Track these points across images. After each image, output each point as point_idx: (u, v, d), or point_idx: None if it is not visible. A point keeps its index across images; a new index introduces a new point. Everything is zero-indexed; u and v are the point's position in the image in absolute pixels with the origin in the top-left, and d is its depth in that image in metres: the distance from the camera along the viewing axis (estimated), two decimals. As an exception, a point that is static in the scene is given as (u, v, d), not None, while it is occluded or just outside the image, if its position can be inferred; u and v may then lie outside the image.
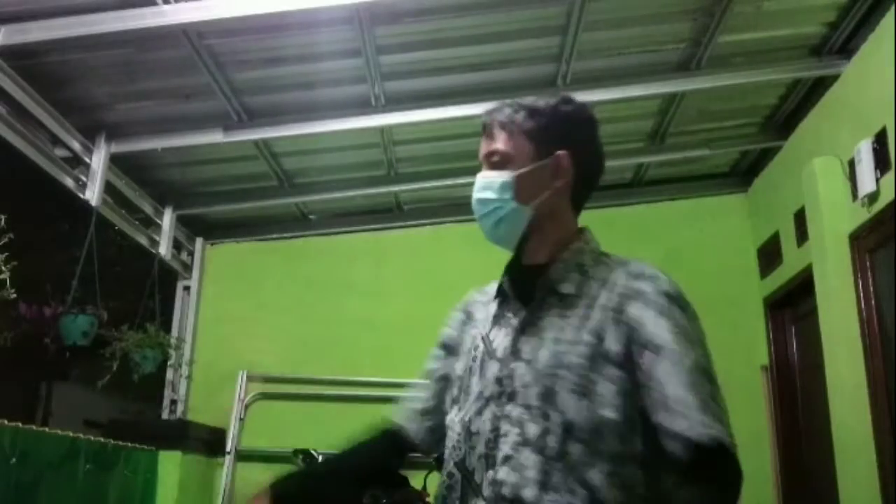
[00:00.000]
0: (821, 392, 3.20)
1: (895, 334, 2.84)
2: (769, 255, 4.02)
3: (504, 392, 1.16)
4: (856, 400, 2.96)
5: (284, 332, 4.33)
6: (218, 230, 4.66)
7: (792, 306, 3.90)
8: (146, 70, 3.15)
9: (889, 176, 2.81)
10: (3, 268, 2.70)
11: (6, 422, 2.50)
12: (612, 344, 1.13)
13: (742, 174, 4.40)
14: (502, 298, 1.28)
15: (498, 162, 1.26)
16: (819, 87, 3.47)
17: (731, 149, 4.14)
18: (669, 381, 1.07)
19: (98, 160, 3.50)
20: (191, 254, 4.61)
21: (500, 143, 1.26)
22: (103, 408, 3.89)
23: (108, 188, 3.65)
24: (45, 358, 3.26)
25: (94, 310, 3.33)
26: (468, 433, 1.18)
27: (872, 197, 2.92)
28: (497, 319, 1.26)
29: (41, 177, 3.25)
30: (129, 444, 3.41)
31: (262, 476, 4.16)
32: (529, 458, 1.10)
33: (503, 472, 1.11)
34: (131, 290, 4.22)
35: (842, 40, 3.20)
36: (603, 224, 4.55)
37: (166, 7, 2.70)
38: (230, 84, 3.27)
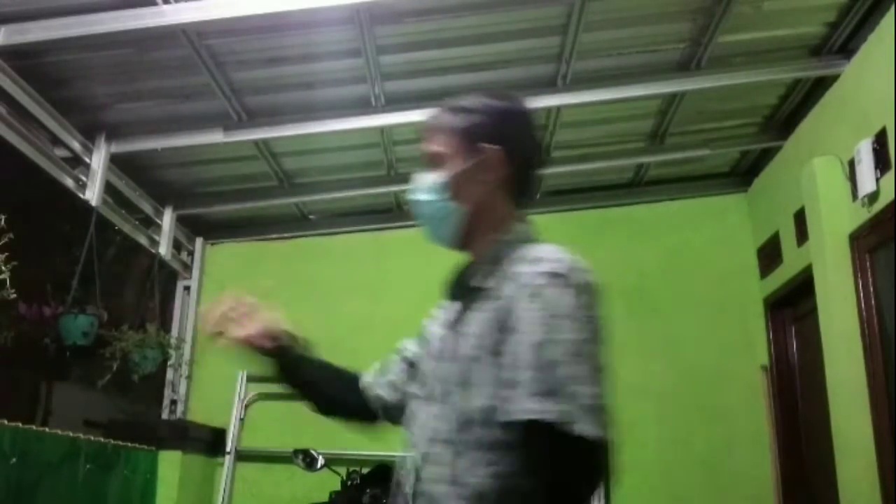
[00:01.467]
0: (821, 392, 3.20)
1: (895, 334, 2.84)
2: (769, 255, 4.02)
3: (436, 393, 1.21)
4: (856, 400, 2.96)
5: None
6: (218, 230, 4.66)
7: (792, 306, 3.90)
8: (146, 70, 3.15)
9: (889, 176, 2.81)
10: (3, 268, 2.69)
11: (6, 422, 2.51)
12: (494, 333, 1.12)
13: (742, 174, 4.40)
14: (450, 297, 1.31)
15: (433, 162, 1.29)
16: (819, 87, 3.47)
17: (731, 149, 4.14)
18: (515, 362, 1.05)
19: (98, 160, 3.50)
20: (191, 254, 4.61)
21: (434, 143, 1.29)
22: (103, 408, 3.88)
23: (108, 188, 3.65)
24: (45, 358, 3.25)
25: (94, 310, 3.33)
26: (417, 433, 1.22)
27: (872, 197, 2.91)
28: (444, 320, 1.31)
29: (41, 177, 3.25)
30: (129, 444, 3.42)
31: (262, 476, 4.17)
32: (442, 453, 1.13)
33: (426, 470, 1.15)
34: (131, 290, 4.22)
35: (842, 40, 3.20)
36: (603, 224, 4.58)
37: (166, 7, 2.70)
38: (230, 84, 3.28)
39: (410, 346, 1.44)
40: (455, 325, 1.23)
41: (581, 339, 1.05)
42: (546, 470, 1.01)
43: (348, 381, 1.48)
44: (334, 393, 1.49)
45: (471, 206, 1.25)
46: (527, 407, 1.01)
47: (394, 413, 1.40)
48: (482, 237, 1.26)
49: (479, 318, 1.16)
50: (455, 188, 1.25)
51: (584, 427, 0.99)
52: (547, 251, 1.16)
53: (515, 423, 1.02)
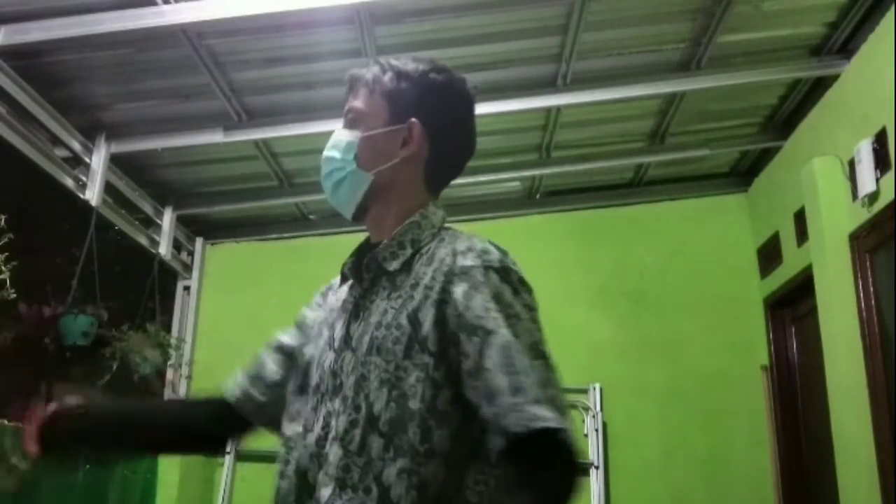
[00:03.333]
0: (821, 392, 3.20)
1: (895, 334, 2.84)
2: (769, 255, 4.02)
3: (336, 385, 1.07)
4: (856, 400, 2.96)
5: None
6: (218, 230, 4.66)
7: (792, 306, 3.90)
8: (146, 70, 3.15)
9: (889, 176, 2.81)
10: (3, 268, 2.70)
11: (6, 422, 2.50)
12: (429, 328, 1.02)
13: (742, 174, 4.40)
14: (349, 281, 1.19)
15: (352, 120, 1.20)
16: (819, 87, 3.47)
17: (731, 149, 4.14)
18: (497, 370, 0.96)
19: (98, 160, 3.50)
20: (191, 254, 4.61)
21: (359, 100, 1.19)
22: (103, 408, 3.90)
23: (108, 188, 3.65)
24: (45, 358, 3.25)
25: (94, 310, 3.33)
26: (304, 430, 1.09)
27: (872, 197, 2.91)
28: (343, 304, 1.17)
29: (41, 177, 3.25)
30: (129, 444, 3.41)
31: (262, 476, 4.17)
32: (335, 453, 1.02)
33: (317, 474, 1.04)
34: (131, 290, 4.22)
35: (842, 40, 3.20)
36: (603, 224, 4.59)
37: (166, 7, 2.70)
38: (230, 84, 3.27)
39: (285, 338, 1.27)
40: (357, 310, 1.12)
41: (538, 340, 1.01)
42: (549, 483, 0.94)
43: (178, 410, 1.43)
44: (157, 428, 1.33)
45: (377, 175, 1.15)
46: (536, 414, 0.92)
47: (270, 413, 1.22)
48: (387, 214, 1.16)
49: (397, 307, 1.05)
50: (362, 152, 1.16)
51: (569, 434, 0.94)
52: (476, 241, 1.08)
53: (510, 433, 0.93)
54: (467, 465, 1.00)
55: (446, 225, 1.18)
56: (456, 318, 1.01)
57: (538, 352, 0.99)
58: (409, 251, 1.11)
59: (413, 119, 1.15)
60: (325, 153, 1.19)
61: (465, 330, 1.00)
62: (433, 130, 1.16)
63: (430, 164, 1.17)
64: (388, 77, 1.17)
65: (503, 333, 0.98)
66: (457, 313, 1.01)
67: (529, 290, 1.06)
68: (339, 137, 1.19)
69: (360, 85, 1.20)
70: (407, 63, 1.18)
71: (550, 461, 0.94)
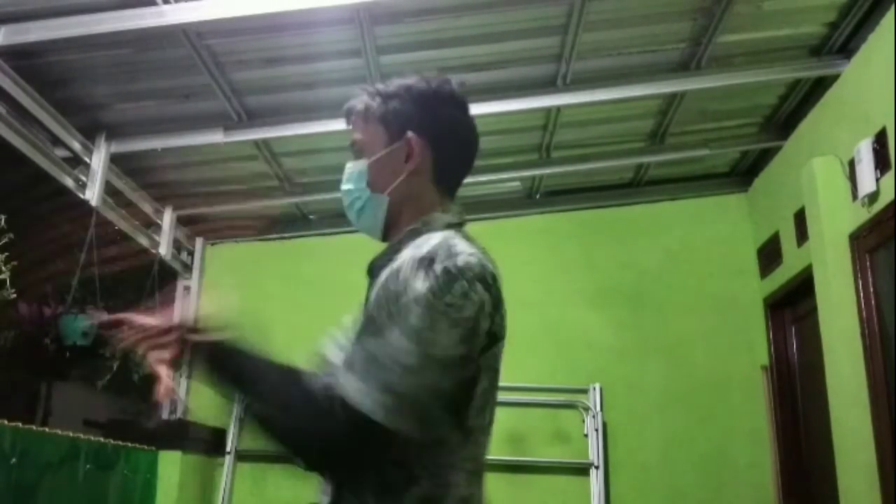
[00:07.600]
0: (821, 392, 3.20)
1: (895, 334, 2.84)
2: (769, 255, 4.02)
3: None
4: (856, 400, 2.96)
5: (284, 333, 4.32)
6: (218, 230, 4.66)
7: (792, 306, 3.90)
8: (146, 70, 3.15)
9: (889, 176, 2.81)
10: (3, 268, 2.70)
11: (6, 422, 2.50)
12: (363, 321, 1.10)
13: (742, 174, 4.40)
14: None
15: (357, 151, 1.26)
16: (819, 87, 3.47)
17: (731, 149, 4.14)
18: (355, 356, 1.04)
19: (98, 160, 3.50)
20: (191, 254, 4.61)
21: (357, 131, 1.26)
22: (103, 408, 3.88)
23: (108, 188, 3.65)
24: (45, 358, 3.25)
25: (95, 310, 3.33)
26: None
27: (872, 197, 2.92)
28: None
29: (41, 177, 3.25)
30: (129, 444, 3.41)
31: (262, 476, 4.17)
32: None
33: None
34: (131, 290, 4.21)
35: (842, 40, 3.20)
36: (603, 224, 4.59)
37: (165, 7, 2.70)
38: (230, 84, 3.27)
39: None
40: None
41: (423, 327, 0.99)
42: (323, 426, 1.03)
43: None
44: None
45: (391, 195, 1.21)
46: (341, 381, 1.02)
47: None
48: (407, 225, 1.20)
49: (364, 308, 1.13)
50: (373, 177, 1.22)
51: (370, 406, 0.98)
52: (433, 237, 1.09)
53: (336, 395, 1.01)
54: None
55: (452, 224, 1.18)
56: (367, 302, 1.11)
57: (411, 336, 1.00)
58: (389, 258, 1.14)
59: (409, 133, 1.20)
60: (342, 187, 1.26)
61: (364, 316, 1.09)
62: (431, 137, 1.21)
63: (438, 169, 1.22)
64: (377, 102, 1.24)
65: (372, 316, 1.05)
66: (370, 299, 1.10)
67: (451, 279, 1.01)
68: (350, 170, 1.26)
69: (354, 117, 1.27)
70: (392, 83, 1.25)
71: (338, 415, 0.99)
